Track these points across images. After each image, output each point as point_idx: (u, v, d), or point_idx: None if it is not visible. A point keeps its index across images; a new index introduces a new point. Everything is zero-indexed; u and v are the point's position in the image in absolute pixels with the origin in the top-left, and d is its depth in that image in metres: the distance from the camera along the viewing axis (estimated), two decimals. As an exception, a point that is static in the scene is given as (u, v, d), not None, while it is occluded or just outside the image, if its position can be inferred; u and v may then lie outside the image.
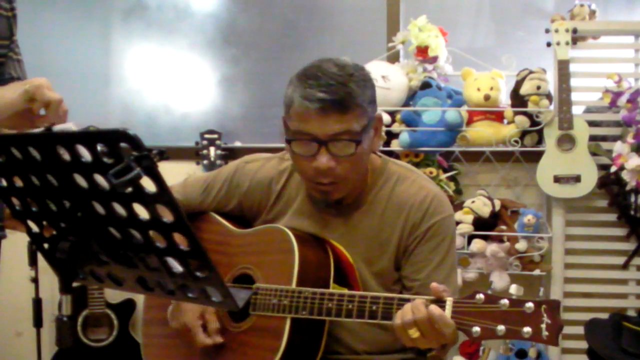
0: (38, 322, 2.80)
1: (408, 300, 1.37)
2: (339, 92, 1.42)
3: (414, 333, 1.30)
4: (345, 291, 1.49)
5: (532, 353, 2.63)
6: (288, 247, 1.54)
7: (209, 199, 1.75)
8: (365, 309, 1.42)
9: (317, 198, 1.59)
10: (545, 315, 1.21)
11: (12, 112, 1.08)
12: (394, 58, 2.88)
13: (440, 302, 1.31)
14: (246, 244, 1.65)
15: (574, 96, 2.66)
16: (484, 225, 2.63)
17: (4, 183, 1.08)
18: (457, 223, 2.57)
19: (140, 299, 2.76)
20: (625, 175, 2.56)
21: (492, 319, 1.24)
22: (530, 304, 1.22)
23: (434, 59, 2.71)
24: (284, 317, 1.49)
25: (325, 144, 1.45)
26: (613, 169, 2.60)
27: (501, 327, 1.23)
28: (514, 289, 1.26)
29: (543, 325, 1.20)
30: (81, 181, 0.97)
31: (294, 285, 1.51)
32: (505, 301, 1.24)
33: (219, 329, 1.59)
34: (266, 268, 1.58)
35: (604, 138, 2.72)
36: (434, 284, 1.33)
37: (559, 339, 1.21)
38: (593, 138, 2.67)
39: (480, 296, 1.27)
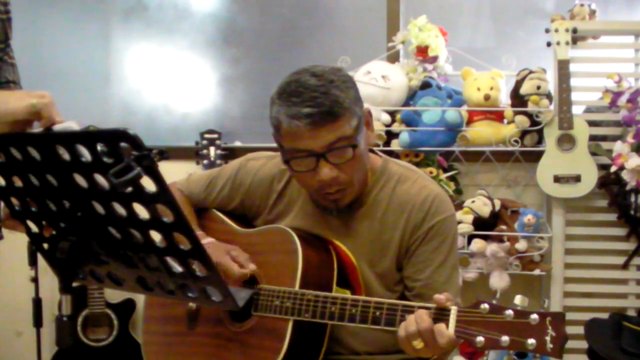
0: (38, 322, 2.80)
1: (412, 307, 1.36)
2: (324, 102, 1.40)
3: (419, 344, 1.30)
4: (349, 295, 1.49)
5: (532, 353, 2.63)
6: (292, 248, 1.54)
7: (212, 196, 1.75)
8: (368, 315, 1.41)
9: (329, 207, 1.58)
10: (550, 327, 1.18)
11: (12, 120, 1.07)
12: (394, 58, 2.88)
13: (444, 311, 1.30)
14: (250, 243, 1.65)
15: (574, 96, 2.65)
16: (484, 225, 2.63)
17: (3, 183, 1.08)
18: (458, 223, 2.57)
19: (140, 298, 2.76)
20: (625, 175, 2.56)
21: (497, 330, 1.23)
22: (535, 316, 1.20)
23: (434, 59, 2.71)
24: (287, 318, 1.49)
25: (322, 155, 1.43)
26: (613, 169, 2.59)
27: (505, 338, 1.21)
28: (518, 299, 1.24)
29: (547, 338, 1.18)
30: (81, 181, 0.97)
31: (297, 287, 1.50)
32: (510, 312, 1.22)
33: (249, 258, 1.58)
34: (269, 269, 1.58)
35: (604, 138, 2.72)
36: (436, 296, 1.31)
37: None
38: (593, 138, 2.67)
39: (485, 306, 1.25)
